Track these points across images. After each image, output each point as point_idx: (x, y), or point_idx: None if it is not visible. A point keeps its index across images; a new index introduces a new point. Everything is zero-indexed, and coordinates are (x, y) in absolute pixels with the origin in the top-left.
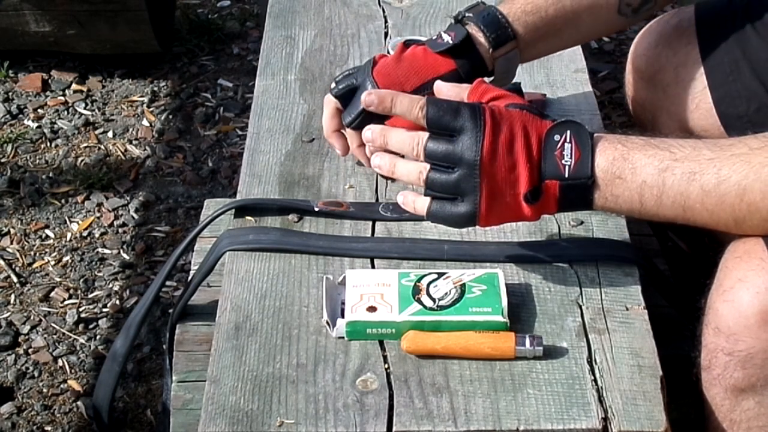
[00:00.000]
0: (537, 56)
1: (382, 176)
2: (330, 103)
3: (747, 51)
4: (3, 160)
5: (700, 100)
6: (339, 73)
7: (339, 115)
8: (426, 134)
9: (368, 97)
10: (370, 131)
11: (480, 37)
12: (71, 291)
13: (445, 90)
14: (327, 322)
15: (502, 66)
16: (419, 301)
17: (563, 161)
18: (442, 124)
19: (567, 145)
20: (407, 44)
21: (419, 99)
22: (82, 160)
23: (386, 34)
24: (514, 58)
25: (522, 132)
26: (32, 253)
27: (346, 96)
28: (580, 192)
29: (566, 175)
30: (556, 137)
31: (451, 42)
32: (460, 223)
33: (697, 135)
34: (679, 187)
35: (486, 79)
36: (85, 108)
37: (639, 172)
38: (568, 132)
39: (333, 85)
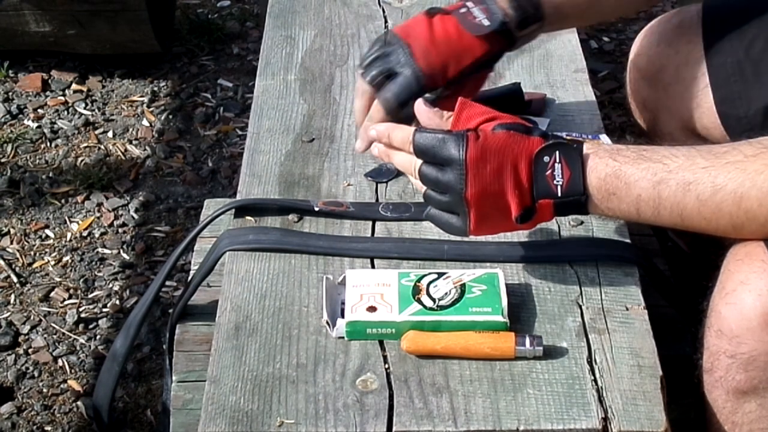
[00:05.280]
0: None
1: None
2: (365, 93)
3: (750, 52)
4: (3, 160)
5: (701, 99)
6: (367, 53)
7: (371, 105)
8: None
9: (371, 142)
10: (375, 131)
11: (509, 15)
12: (71, 291)
13: (425, 117)
14: (327, 322)
15: (522, 43)
16: (419, 301)
17: (555, 181)
18: (429, 156)
19: (557, 166)
20: (430, 13)
21: (410, 132)
22: (82, 160)
23: None
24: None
25: (510, 159)
26: (32, 253)
27: (382, 82)
28: (574, 207)
29: (559, 194)
30: (546, 158)
31: (488, 26)
32: (453, 233)
33: (699, 133)
34: (675, 198)
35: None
36: (85, 108)
37: (633, 188)
38: (557, 153)
39: (363, 69)
